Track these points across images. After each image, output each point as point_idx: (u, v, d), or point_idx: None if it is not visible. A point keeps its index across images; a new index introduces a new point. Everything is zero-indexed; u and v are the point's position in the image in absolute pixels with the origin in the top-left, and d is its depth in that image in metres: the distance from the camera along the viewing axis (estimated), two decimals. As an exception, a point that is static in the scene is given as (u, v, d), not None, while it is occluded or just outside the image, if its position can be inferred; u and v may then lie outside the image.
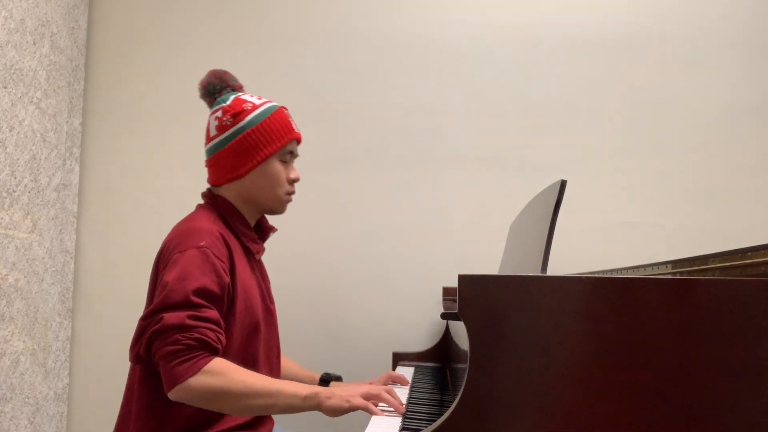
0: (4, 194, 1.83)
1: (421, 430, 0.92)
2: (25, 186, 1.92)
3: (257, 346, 1.29)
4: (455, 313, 0.84)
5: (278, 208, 1.38)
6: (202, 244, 1.19)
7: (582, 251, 1.99)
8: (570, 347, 0.81)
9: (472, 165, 2.11)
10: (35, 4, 1.95)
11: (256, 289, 1.32)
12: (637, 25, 2.11)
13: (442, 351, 1.86)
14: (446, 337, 1.83)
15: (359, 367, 1.94)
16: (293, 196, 1.39)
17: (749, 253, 0.94)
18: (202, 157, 1.39)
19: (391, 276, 2.10)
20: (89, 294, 2.20)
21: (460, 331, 1.21)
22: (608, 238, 2.05)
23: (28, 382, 1.94)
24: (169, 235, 1.26)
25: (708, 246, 1.24)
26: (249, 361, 1.25)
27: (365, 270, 2.11)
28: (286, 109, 1.38)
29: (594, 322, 0.81)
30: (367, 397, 1.11)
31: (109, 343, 2.14)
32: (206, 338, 1.12)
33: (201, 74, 1.40)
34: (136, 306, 1.27)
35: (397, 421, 1.06)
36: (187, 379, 1.08)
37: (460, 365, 1.21)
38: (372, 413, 1.09)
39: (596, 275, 0.90)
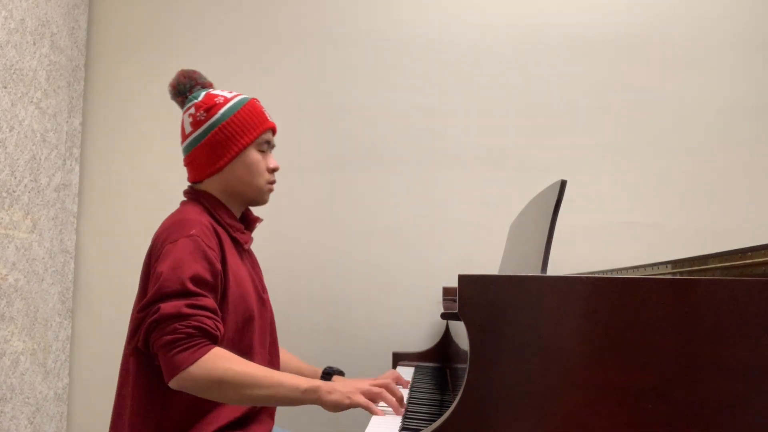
0: (4, 194, 1.83)
1: (421, 430, 0.92)
2: (25, 186, 1.92)
3: (252, 335, 1.30)
4: (455, 313, 0.84)
5: (260, 198, 1.39)
6: (192, 232, 1.20)
7: (582, 251, 1.99)
8: (570, 347, 0.81)
9: (472, 165, 2.11)
10: (35, 4, 1.95)
11: (248, 279, 1.33)
12: (637, 25, 2.11)
13: (442, 351, 1.86)
14: (446, 337, 1.83)
15: (359, 367, 1.93)
16: (275, 186, 1.41)
17: (749, 253, 0.94)
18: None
19: (391, 276, 2.10)
20: (89, 294, 2.20)
21: (460, 331, 1.21)
22: (608, 238, 2.05)
23: (28, 382, 1.94)
24: (158, 229, 1.27)
25: (708, 246, 1.24)
26: (244, 351, 1.25)
27: (365, 270, 2.11)
28: (258, 101, 1.40)
29: (594, 322, 0.81)
30: (369, 396, 1.11)
31: (109, 343, 2.14)
32: (205, 326, 1.12)
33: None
34: (136, 306, 1.27)
35: (397, 421, 1.06)
36: (187, 367, 1.09)
37: (460, 365, 1.21)
38: (372, 412, 1.09)
39: (596, 275, 0.90)
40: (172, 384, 1.11)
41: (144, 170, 2.21)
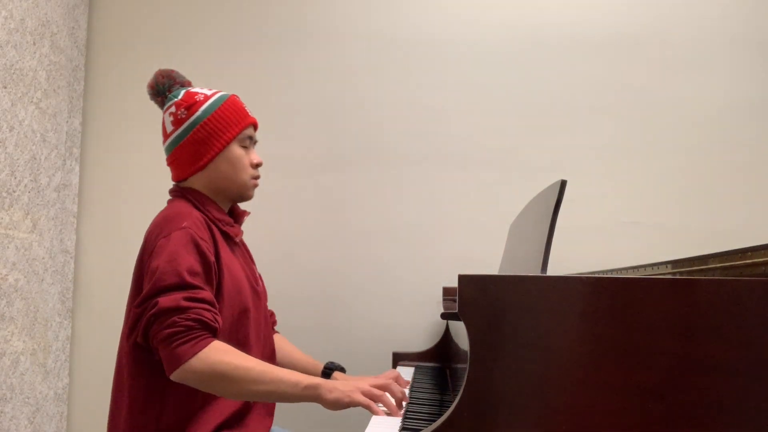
0: (4, 194, 1.83)
1: (421, 430, 0.92)
2: (25, 186, 1.92)
3: (248, 328, 1.30)
4: (455, 313, 0.84)
5: (245, 193, 1.39)
6: (184, 225, 1.21)
7: (582, 251, 1.99)
8: (570, 347, 0.81)
9: (472, 165, 2.11)
10: (35, 4, 1.95)
11: (242, 272, 1.33)
12: (637, 25, 2.11)
13: (442, 351, 1.86)
14: (446, 337, 1.83)
15: (359, 368, 1.93)
16: (259, 181, 1.41)
17: (749, 253, 0.94)
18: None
19: (391, 276, 2.10)
20: (89, 294, 2.20)
21: (460, 331, 1.21)
22: (608, 238, 2.05)
23: (28, 382, 1.94)
24: (149, 226, 1.28)
25: (708, 246, 1.24)
26: (240, 344, 1.25)
27: (365, 270, 2.11)
28: (238, 97, 1.40)
29: (594, 322, 0.81)
30: (369, 396, 1.11)
31: (109, 343, 2.12)
32: (204, 318, 1.12)
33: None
34: (136, 306, 1.27)
35: (397, 421, 1.06)
36: (189, 359, 1.09)
37: (460, 365, 1.21)
38: (373, 412, 1.09)
39: (596, 275, 0.90)
40: (174, 377, 1.11)
41: (144, 170, 2.21)
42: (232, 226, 1.37)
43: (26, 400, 1.93)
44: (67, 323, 2.15)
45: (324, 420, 1.94)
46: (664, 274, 1.22)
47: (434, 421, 0.84)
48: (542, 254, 0.94)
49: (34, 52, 1.95)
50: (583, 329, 0.81)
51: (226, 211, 1.40)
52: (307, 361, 1.55)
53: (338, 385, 1.11)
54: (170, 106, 1.36)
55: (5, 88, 1.83)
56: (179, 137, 1.34)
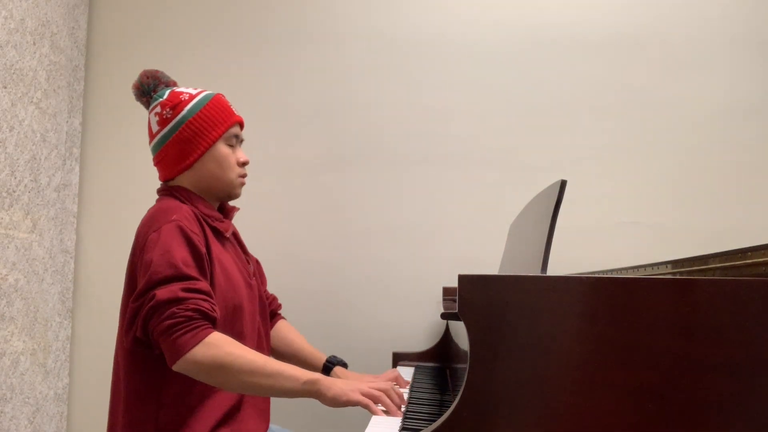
0: (4, 194, 1.83)
1: (421, 430, 0.92)
2: (25, 186, 1.92)
3: (242, 322, 1.30)
4: (455, 313, 0.84)
5: (233, 192, 1.39)
6: (174, 218, 1.22)
7: (582, 251, 1.99)
8: (570, 347, 0.81)
9: (472, 165, 2.11)
10: (35, 4, 1.95)
11: (234, 267, 1.33)
12: (637, 25, 2.11)
13: (442, 351, 1.86)
14: (446, 337, 1.83)
15: (359, 368, 1.93)
16: (246, 179, 1.41)
17: (749, 253, 0.94)
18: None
19: (391, 276, 2.10)
20: (89, 294, 2.20)
21: (460, 331, 1.21)
22: (608, 238, 2.05)
23: (28, 382, 1.94)
24: (139, 225, 1.29)
25: (708, 246, 1.24)
26: (236, 337, 1.25)
27: (365, 270, 2.11)
28: (224, 96, 1.41)
29: (594, 322, 0.81)
30: (369, 396, 1.11)
31: (108, 342, 2.12)
32: (202, 308, 1.13)
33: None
34: (136, 306, 1.26)
35: (397, 421, 1.06)
36: (191, 349, 1.09)
37: (460, 365, 1.21)
38: (372, 412, 1.09)
39: (596, 275, 0.90)
40: (176, 367, 1.12)
41: (144, 170, 2.20)
42: (222, 221, 1.37)
43: (26, 400, 1.93)
44: (67, 323, 2.15)
45: (324, 420, 1.94)
46: (664, 274, 1.22)
47: (434, 421, 0.84)
48: (542, 254, 0.94)
49: (34, 52, 1.95)
50: (583, 329, 0.81)
51: (216, 207, 1.41)
52: (309, 352, 1.54)
53: (338, 383, 1.11)
54: (155, 106, 1.36)
55: (5, 88, 1.83)
56: (165, 137, 1.34)
